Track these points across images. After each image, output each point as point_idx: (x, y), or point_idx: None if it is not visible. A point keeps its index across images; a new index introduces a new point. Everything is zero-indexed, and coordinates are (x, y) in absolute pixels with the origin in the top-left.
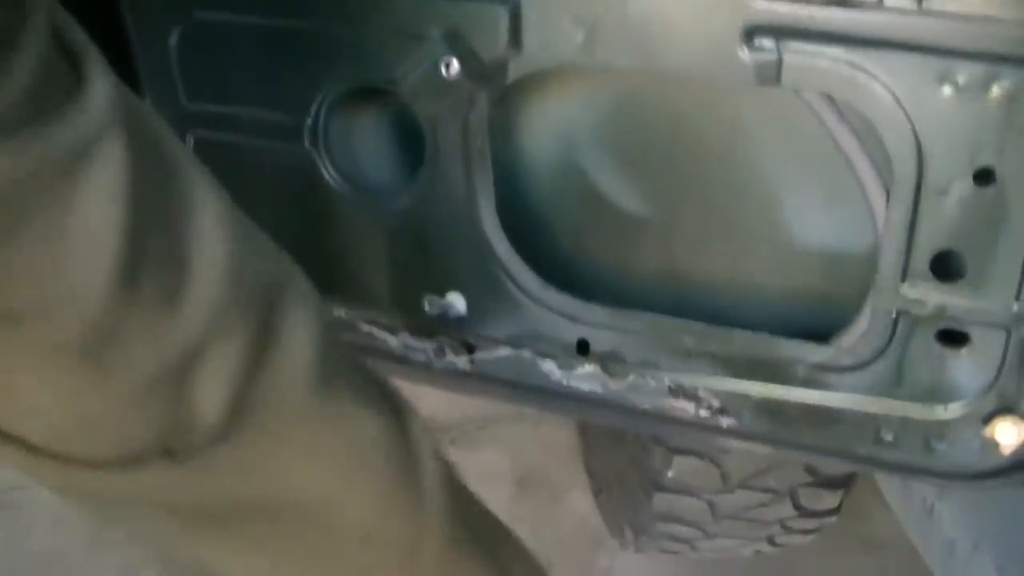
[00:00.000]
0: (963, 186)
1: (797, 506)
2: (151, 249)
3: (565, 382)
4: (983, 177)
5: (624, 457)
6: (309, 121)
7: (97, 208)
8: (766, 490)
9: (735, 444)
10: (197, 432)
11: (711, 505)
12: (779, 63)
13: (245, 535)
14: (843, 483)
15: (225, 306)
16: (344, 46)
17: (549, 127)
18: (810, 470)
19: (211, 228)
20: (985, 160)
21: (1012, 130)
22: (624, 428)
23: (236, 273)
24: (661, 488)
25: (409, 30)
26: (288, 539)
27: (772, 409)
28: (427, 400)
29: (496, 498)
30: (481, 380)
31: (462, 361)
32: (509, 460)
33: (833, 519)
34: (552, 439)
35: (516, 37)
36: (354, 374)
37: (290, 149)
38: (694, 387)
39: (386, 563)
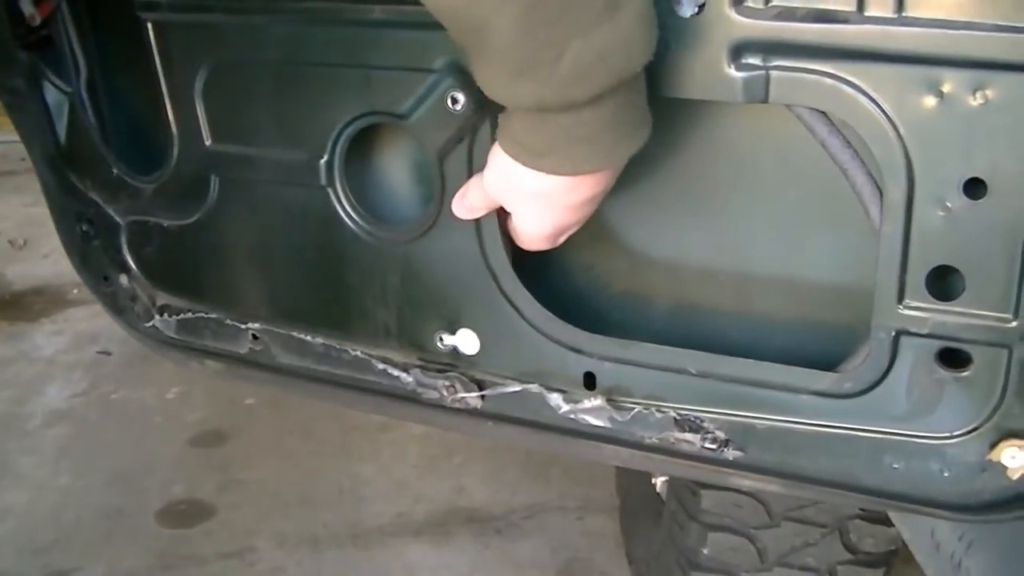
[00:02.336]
0: (954, 198)
1: None
2: None
3: (573, 416)
4: (974, 188)
5: (661, 537)
6: (324, 159)
7: None
8: (804, 568)
9: (741, 479)
10: None
11: None
12: (767, 80)
13: None
14: (883, 561)
15: None
16: (355, 84)
17: None
18: (850, 548)
19: None
20: (975, 171)
21: (1001, 139)
22: (632, 465)
23: None
24: (697, 567)
25: (415, 65)
26: None
27: (778, 439)
28: (474, 492)
29: None
30: (491, 419)
31: (473, 398)
32: (550, 549)
33: None
34: (595, 528)
35: None
36: None
37: (306, 187)
38: (699, 418)
39: None
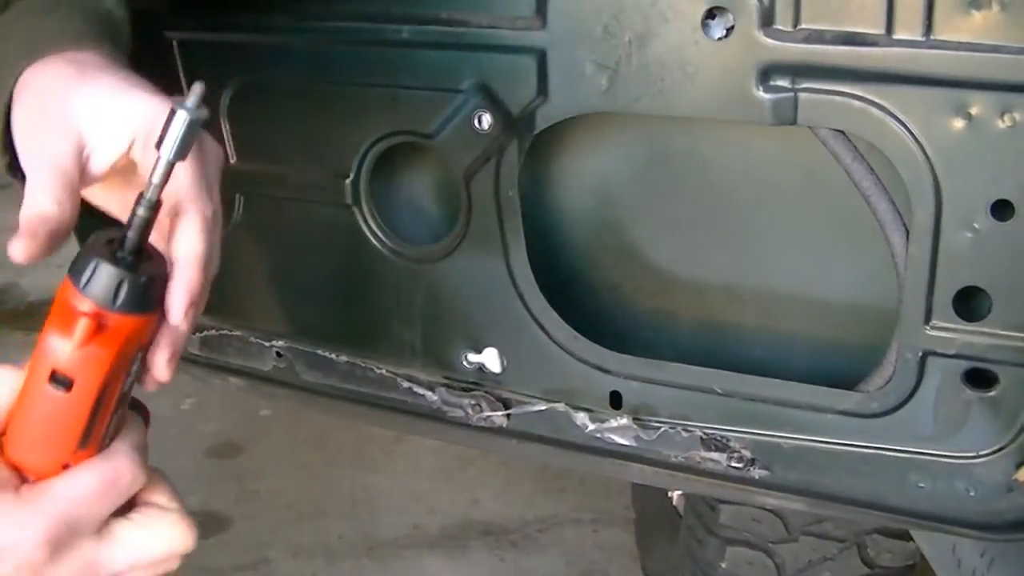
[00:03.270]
0: (982, 220)
1: None
2: None
3: (599, 435)
4: (1002, 210)
5: (678, 551)
6: (350, 178)
7: None
8: None
9: (767, 497)
10: None
11: None
12: (795, 102)
13: None
14: None
15: None
16: (382, 104)
17: (577, 177)
18: (868, 563)
19: None
20: (1003, 192)
21: None
22: (657, 483)
23: None
24: None
25: (443, 85)
26: None
27: (804, 458)
28: (488, 504)
29: None
30: (516, 437)
31: (498, 416)
32: (565, 562)
33: None
34: (610, 540)
35: (543, 85)
36: None
37: (332, 206)
38: (725, 438)
39: None
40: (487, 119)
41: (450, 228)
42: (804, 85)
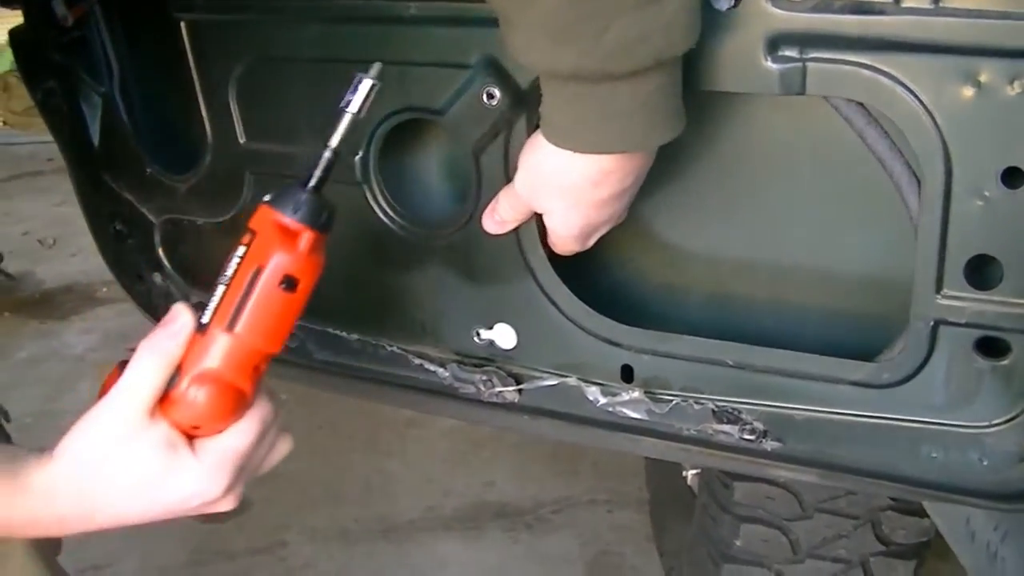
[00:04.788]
0: (992, 187)
1: None
2: None
3: (611, 409)
4: (1012, 177)
5: (693, 529)
6: (359, 156)
7: None
8: (836, 559)
9: (779, 470)
10: None
11: None
12: (803, 72)
13: None
14: (915, 552)
15: None
16: (391, 81)
17: None
18: (883, 540)
19: None
20: (1013, 160)
21: None
22: (669, 457)
23: None
24: (730, 559)
25: (451, 60)
26: None
27: (816, 430)
28: (503, 486)
29: None
30: (528, 413)
31: (510, 392)
32: (580, 543)
33: None
34: (625, 521)
35: None
36: None
37: (342, 184)
38: (737, 410)
39: None
40: (496, 94)
41: (460, 204)
42: (812, 55)
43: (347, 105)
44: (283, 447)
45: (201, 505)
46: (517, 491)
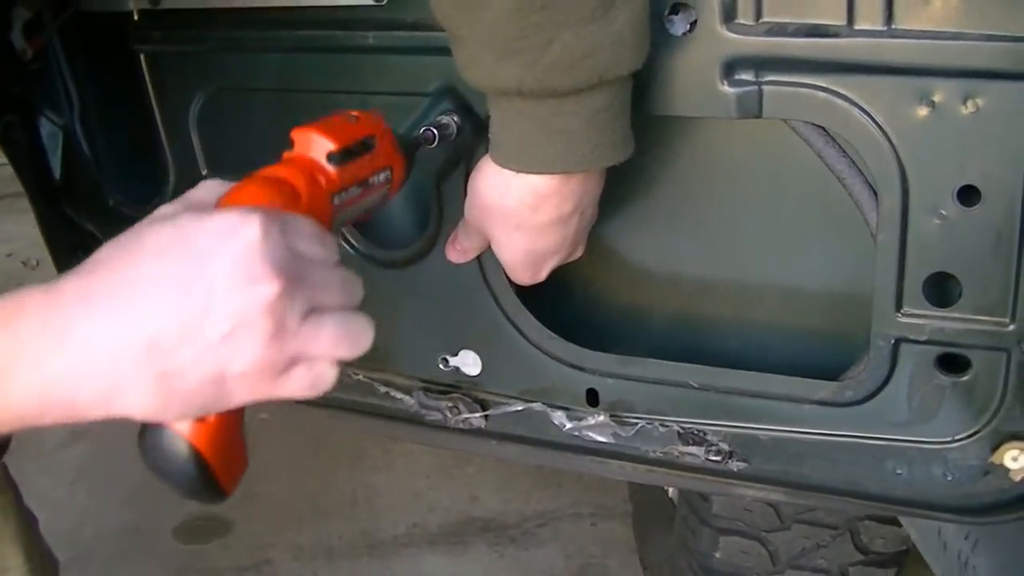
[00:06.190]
0: (949, 206)
1: None
2: None
3: (577, 433)
4: (967, 195)
5: (674, 542)
6: None
7: None
8: (816, 570)
9: (747, 489)
10: None
11: None
12: (760, 95)
13: None
14: (894, 561)
15: None
16: (350, 109)
17: None
18: (862, 549)
19: None
20: (968, 178)
21: (993, 146)
22: (636, 479)
23: None
24: (710, 571)
25: (410, 89)
26: None
27: (781, 449)
28: (487, 501)
29: None
30: (496, 437)
31: (477, 418)
32: (564, 556)
33: None
34: (609, 534)
35: None
36: None
37: None
38: (702, 431)
39: None
40: (455, 121)
41: (423, 232)
42: (768, 78)
43: None
44: (356, 291)
45: (245, 254)
46: (502, 505)
